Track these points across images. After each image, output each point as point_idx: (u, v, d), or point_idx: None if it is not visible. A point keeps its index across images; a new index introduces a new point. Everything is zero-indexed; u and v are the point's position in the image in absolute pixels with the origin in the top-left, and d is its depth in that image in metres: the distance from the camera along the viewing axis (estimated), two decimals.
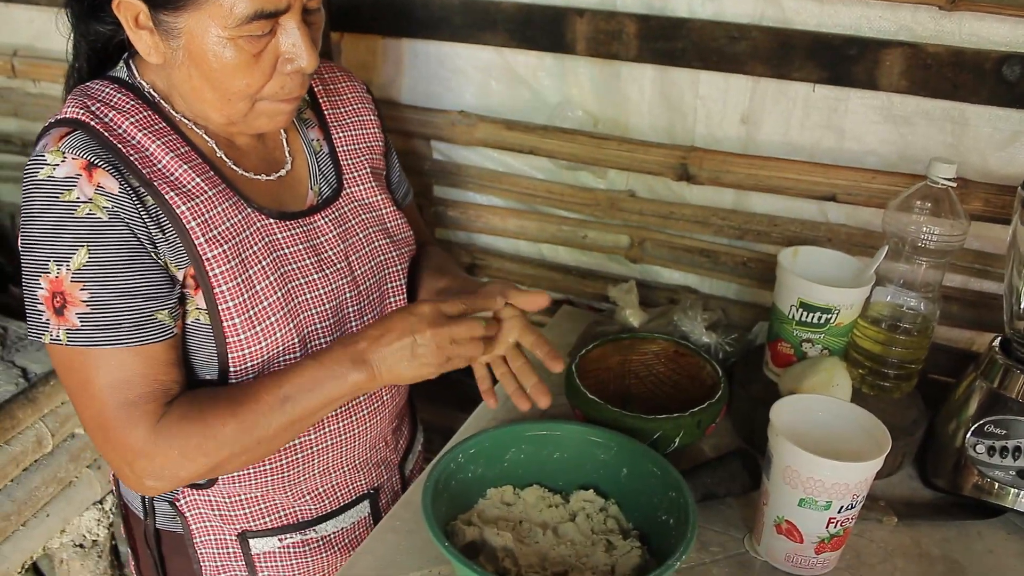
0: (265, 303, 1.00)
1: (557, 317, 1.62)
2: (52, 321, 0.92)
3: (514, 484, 1.09)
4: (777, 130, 1.37)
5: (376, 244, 1.14)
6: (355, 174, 1.15)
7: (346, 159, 1.15)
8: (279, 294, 1.01)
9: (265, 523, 1.13)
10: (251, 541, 1.13)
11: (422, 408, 1.40)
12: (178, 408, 0.96)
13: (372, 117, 1.21)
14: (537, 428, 1.09)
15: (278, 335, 1.00)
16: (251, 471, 1.08)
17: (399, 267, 1.17)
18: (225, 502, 1.10)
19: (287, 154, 1.11)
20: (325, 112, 1.17)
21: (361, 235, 1.13)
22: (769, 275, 1.42)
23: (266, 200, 1.05)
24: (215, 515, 1.11)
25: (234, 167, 1.03)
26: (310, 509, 1.15)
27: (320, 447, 1.11)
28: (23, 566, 1.45)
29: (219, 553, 1.13)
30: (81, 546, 1.54)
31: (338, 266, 1.08)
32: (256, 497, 1.11)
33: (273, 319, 1.00)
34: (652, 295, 1.58)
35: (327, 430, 1.10)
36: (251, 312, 0.98)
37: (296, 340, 1.02)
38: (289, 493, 1.12)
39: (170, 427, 0.94)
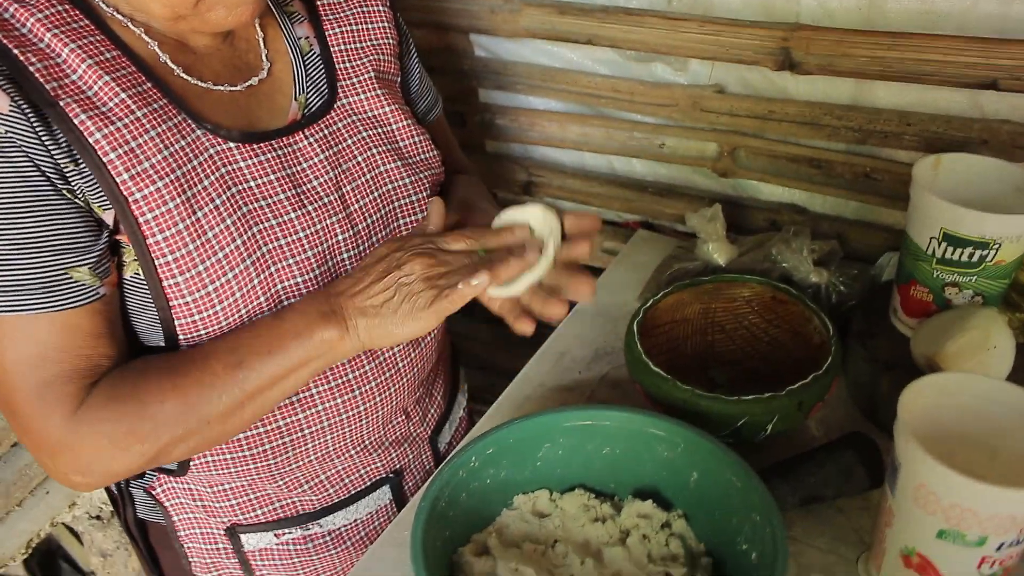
0: (220, 254, 0.76)
1: (631, 244, 1.34)
2: None
3: (551, 487, 0.85)
4: None
5: (381, 169, 0.89)
6: (354, 80, 0.90)
7: (343, 61, 0.90)
8: (239, 241, 0.77)
9: (256, 516, 0.93)
10: (242, 536, 0.94)
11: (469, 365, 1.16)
12: (105, 386, 0.75)
13: (381, 7, 0.94)
14: (579, 417, 0.83)
15: (238, 295, 0.78)
16: (227, 457, 0.87)
17: (416, 197, 0.91)
18: (207, 491, 0.91)
19: (263, 58, 0.86)
20: (317, 1, 0.91)
21: (360, 158, 0.88)
22: (901, 189, 1.10)
23: (228, 117, 0.81)
24: (197, 506, 0.93)
25: (183, 75, 0.79)
26: (311, 500, 0.95)
27: (314, 428, 0.89)
28: (28, 545, 1.32)
29: (207, 549, 0.95)
30: (99, 518, 1.41)
31: (326, 200, 0.84)
32: (243, 487, 0.91)
33: (232, 275, 0.77)
34: (747, 216, 1.27)
35: (320, 408, 0.88)
36: (201, 267, 0.76)
37: (263, 300, 0.79)
38: (282, 483, 0.92)
39: (95, 411, 0.74)
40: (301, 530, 0.95)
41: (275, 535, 0.95)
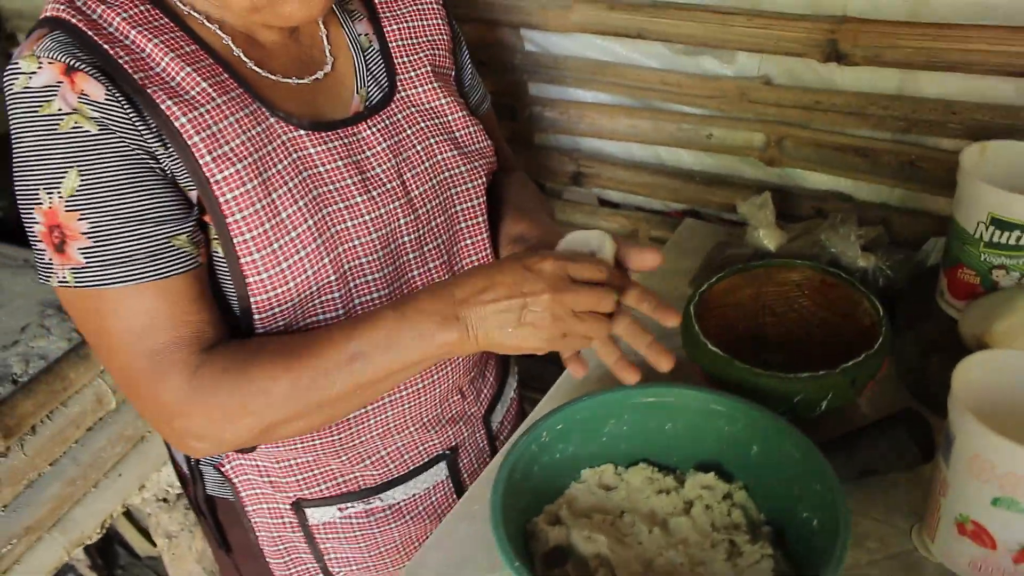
0: (293, 234, 0.81)
1: (679, 233, 1.38)
2: (55, 260, 0.77)
3: (615, 462, 0.89)
4: None
5: (439, 158, 0.93)
6: (412, 74, 0.94)
7: (400, 56, 0.95)
8: (311, 222, 0.82)
9: (320, 491, 0.98)
10: (307, 511, 0.99)
11: None
12: (219, 358, 0.80)
13: (435, 5, 0.99)
14: (643, 394, 0.87)
15: (310, 273, 0.82)
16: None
17: (471, 184, 0.96)
18: (274, 467, 0.96)
19: (327, 53, 0.91)
20: (375, 0, 0.95)
21: (419, 147, 0.92)
22: (945, 177, 1.13)
23: (297, 107, 0.86)
24: (264, 481, 0.98)
25: (255, 68, 0.84)
26: (372, 475, 0.99)
27: (375, 406, 0.94)
28: (102, 526, 1.38)
29: (274, 523, 1.00)
30: (165, 500, 1.47)
31: (388, 186, 0.89)
32: (308, 462, 0.96)
33: (303, 253, 0.82)
34: (794, 204, 1.31)
35: None
36: (275, 245, 0.81)
37: (334, 278, 0.84)
38: (345, 458, 0.97)
39: (209, 380, 0.79)
40: (363, 504, 1.00)
41: (338, 509, 0.99)
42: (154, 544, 1.81)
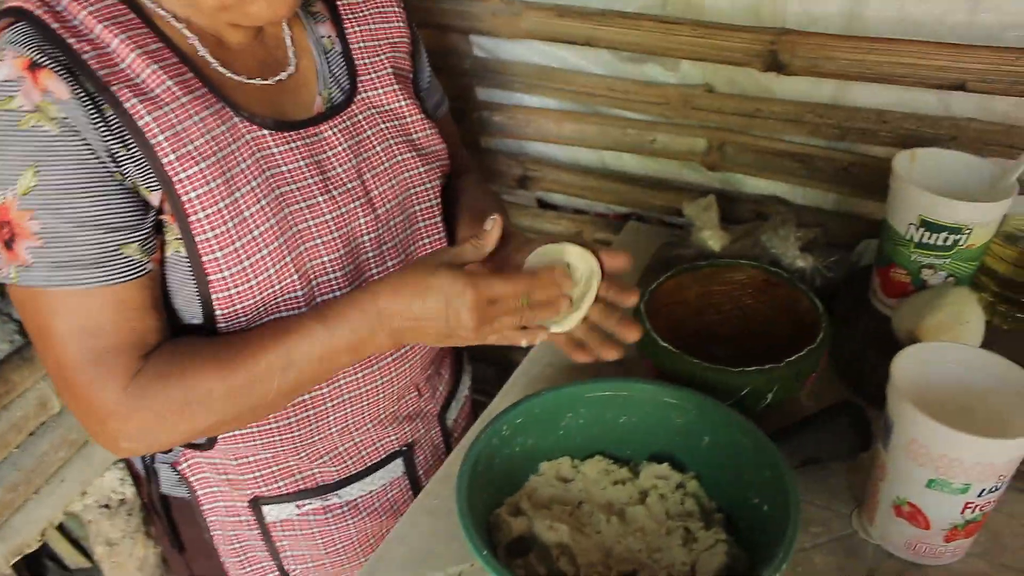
0: (255, 232, 0.82)
1: (623, 235, 1.42)
2: (2, 256, 0.76)
3: (572, 455, 0.92)
4: (891, 3, 1.11)
5: (398, 159, 0.95)
6: (373, 75, 0.96)
7: (362, 58, 0.96)
8: (273, 221, 0.83)
9: (278, 488, 0.99)
10: (264, 508, 0.99)
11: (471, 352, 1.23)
12: (156, 363, 0.81)
13: (396, 8, 1.01)
14: (599, 388, 0.90)
15: (272, 271, 0.84)
16: (256, 431, 0.94)
17: (428, 185, 0.98)
18: (232, 464, 0.97)
19: (291, 54, 0.92)
20: (338, 2, 0.97)
21: (379, 148, 0.94)
22: (876, 182, 1.19)
23: (260, 107, 0.87)
24: (222, 479, 0.98)
25: (220, 68, 0.85)
26: (330, 472, 1.01)
27: (335, 402, 0.95)
28: (41, 534, 1.35)
29: (230, 521, 1.01)
30: (107, 506, 1.44)
31: (349, 186, 0.90)
32: (266, 459, 0.97)
33: (266, 251, 0.83)
34: (735, 208, 1.36)
35: (341, 383, 0.95)
36: (237, 244, 0.81)
37: (296, 277, 0.86)
38: (304, 455, 0.98)
39: (146, 385, 0.80)
40: (320, 501, 1.01)
41: (296, 506, 1.00)
42: (87, 555, 1.77)
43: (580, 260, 0.86)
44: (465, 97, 1.48)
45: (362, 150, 0.92)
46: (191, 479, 0.98)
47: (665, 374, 0.97)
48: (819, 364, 0.97)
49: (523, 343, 0.85)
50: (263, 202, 0.83)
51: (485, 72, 1.44)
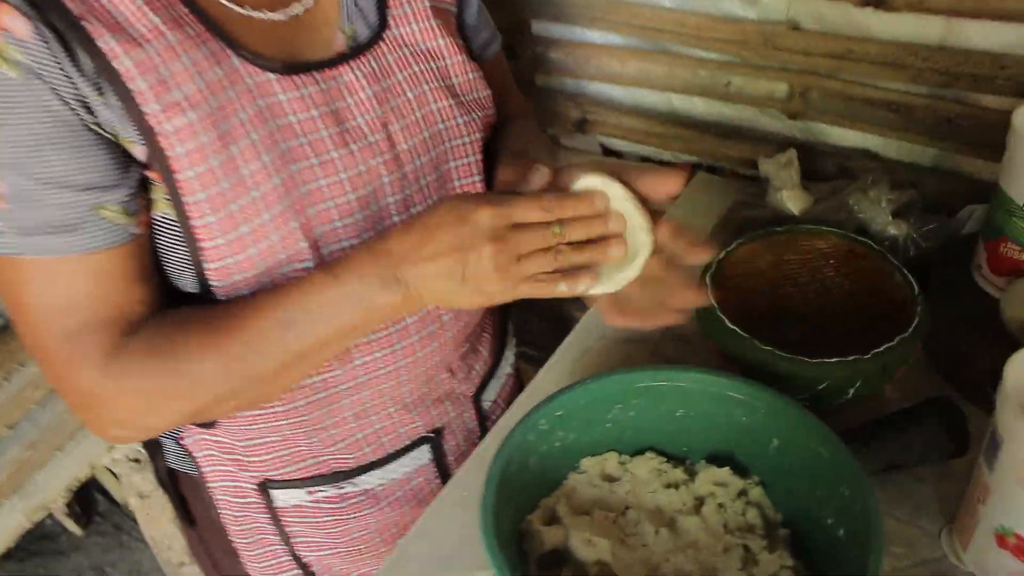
0: (255, 193, 0.71)
1: (690, 188, 1.28)
2: None
3: (620, 450, 0.81)
4: None
5: (433, 107, 0.82)
6: (406, 9, 0.82)
7: None
8: (276, 180, 0.72)
9: (289, 472, 0.90)
10: (272, 492, 0.90)
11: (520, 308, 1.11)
12: (142, 338, 0.71)
13: None
14: (652, 377, 0.79)
15: (275, 238, 0.72)
16: (262, 412, 0.84)
17: (468, 139, 0.85)
18: (238, 445, 0.88)
19: None
20: None
21: (411, 94, 0.81)
22: (987, 137, 1.04)
23: (268, 46, 0.74)
24: (228, 459, 0.90)
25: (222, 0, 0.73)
26: (346, 458, 0.91)
27: (350, 385, 0.85)
28: (68, 489, 1.31)
29: (237, 502, 0.92)
30: (136, 460, 1.39)
31: (371, 139, 0.78)
32: (274, 442, 0.88)
33: (267, 216, 0.72)
34: (817, 162, 1.21)
35: (358, 363, 0.83)
36: (233, 207, 0.70)
37: (306, 246, 0.74)
38: (316, 439, 0.88)
39: (130, 364, 0.70)
40: (335, 488, 0.91)
41: (307, 492, 0.91)
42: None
43: (623, 201, 0.71)
44: (518, 30, 1.34)
45: (390, 96, 0.80)
46: (196, 455, 0.90)
47: (730, 359, 0.85)
48: (911, 356, 0.84)
49: (564, 290, 0.69)
50: (265, 158, 0.72)
51: (541, 2, 1.29)
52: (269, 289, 0.72)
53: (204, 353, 0.70)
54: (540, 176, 0.71)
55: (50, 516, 2.11)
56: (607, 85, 1.35)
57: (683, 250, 0.73)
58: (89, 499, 2.19)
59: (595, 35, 1.31)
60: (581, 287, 0.69)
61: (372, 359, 0.83)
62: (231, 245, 0.71)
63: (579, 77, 1.36)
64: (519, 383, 1.11)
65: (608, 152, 1.44)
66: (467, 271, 0.66)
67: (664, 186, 0.71)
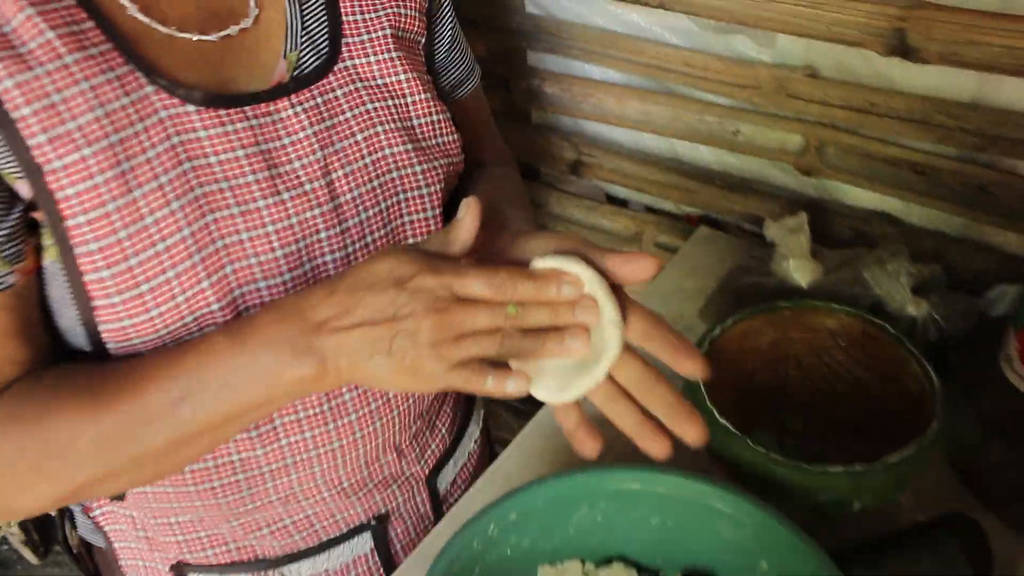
0: (160, 246, 0.61)
1: (692, 243, 1.18)
2: None
3: (584, 558, 0.70)
4: None
5: (386, 152, 0.71)
6: (364, 37, 0.72)
7: (353, 12, 0.72)
8: (187, 231, 0.62)
9: (206, 556, 0.78)
10: None
11: None
12: (8, 403, 0.61)
13: None
14: (625, 479, 0.68)
15: (181, 300, 0.62)
16: (169, 490, 0.72)
17: (426, 190, 0.73)
18: (150, 522, 0.77)
19: (252, 1, 0.69)
20: None
21: (360, 136, 0.70)
22: (1022, 208, 0.92)
23: (192, 72, 0.64)
24: (139, 536, 0.79)
25: (139, 15, 0.62)
26: (271, 546, 0.79)
27: (275, 467, 0.73)
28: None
29: None
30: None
31: (308, 187, 0.67)
32: (189, 522, 0.77)
33: (172, 273, 0.61)
34: (829, 224, 1.10)
35: (284, 443, 0.72)
36: (132, 261, 0.60)
37: (216, 309, 0.63)
38: (236, 523, 0.77)
39: None
40: None
41: None
42: None
43: (593, 283, 0.58)
44: (513, 62, 1.24)
45: (334, 138, 0.69)
46: (106, 529, 0.79)
47: (719, 456, 0.74)
48: (927, 464, 0.72)
49: (488, 386, 0.56)
50: (175, 205, 0.61)
51: (538, 33, 1.19)
52: (162, 352, 0.61)
53: (80, 428, 0.59)
54: (469, 210, 0.58)
55: (6, 543, 2.02)
56: (605, 126, 1.24)
57: (661, 354, 0.59)
58: (48, 528, 2.10)
59: (595, 70, 1.20)
60: (511, 386, 0.56)
61: (302, 439, 0.72)
62: (129, 305, 0.60)
63: (576, 115, 1.25)
64: (489, 455, 1.00)
65: (612, 200, 1.34)
66: (396, 345, 0.54)
67: (635, 272, 0.58)
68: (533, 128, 1.31)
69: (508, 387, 0.55)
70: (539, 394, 0.58)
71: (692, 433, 0.59)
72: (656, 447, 0.59)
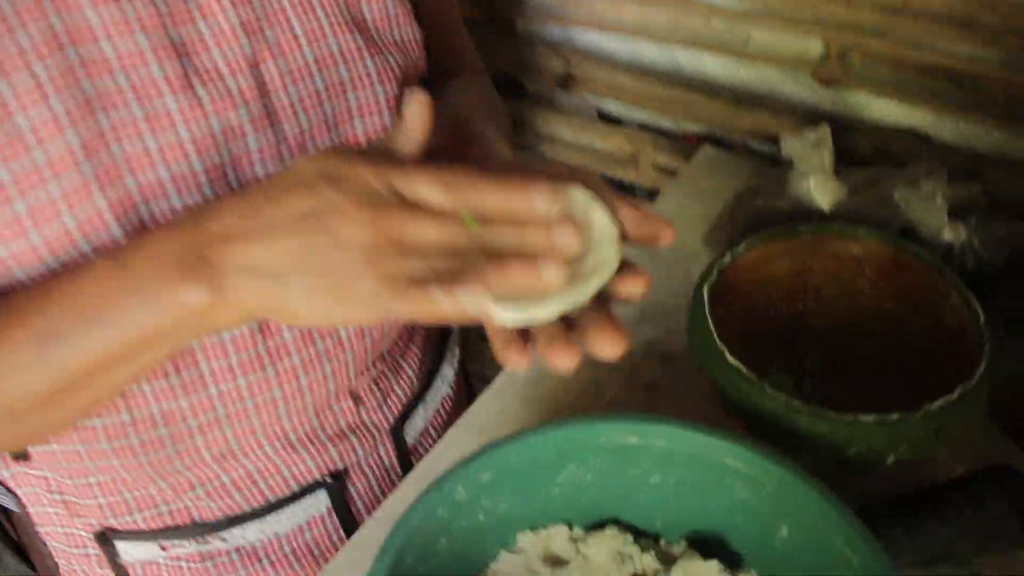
0: (38, 154, 0.50)
1: (695, 164, 1.07)
2: None
3: (572, 522, 0.60)
4: None
5: (331, 43, 0.60)
6: None
7: None
8: (72, 137, 0.50)
9: (134, 521, 0.68)
10: (117, 544, 0.69)
11: None
12: None
13: None
14: (620, 431, 0.57)
15: (69, 220, 0.51)
16: (80, 448, 0.62)
17: (380, 91, 0.62)
18: (66, 483, 0.67)
19: None
20: None
21: (298, 26, 0.58)
22: None
23: None
24: (56, 500, 0.69)
25: None
26: (208, 508, 0.69)
27: (205, 419, 0.62)
28: None
29: (75, 554, 0.71)
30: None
31: (230, 82, 0.55)
32: (111, 482, 0.66)
33: (55, 189, 0.50)
34: (850, 142, 0.98)
35: (215, 392, 0.61)
36: (2, 172, 0.49)
37: (116, 230, 0.52)
38: (164, 483, 0.66)
39: None
40: (196, 544, 0.70)
41: (160, 547, 0.69)
42: None
43: (596, 214, 0.47)
44: None
45: (264, 25, 0.56)
46: (18, 493, 0.68)
47: (730, 403, 0.64)
48: (975, 413, 0.62)
49: (445, 308, 0.41)
50: (56, 104, 0.49)
51: None
52: (36, 283, 0.50)
53: None
54: (414, 102, 0.46)
55: None
56: (598, 34, 1.12)
57: (641, 235, 0.48)
58: None
59: None
60: (465, 298, 0.41)
61: (235, 387, 0.60)
62: (2, 227, 0.49)
63: (565, 23, 1.12)
64: (468, 398, 0.90)
65: (604, 117, 1.22)
66: (319, 258, 0.42)
67: (652, 234, 0.48)
68: (518, 39, 1.18)
69: (461, 299, 0.41)
70: (506, 316, 0.43)
71: (612, 346, 0.45)
72: (516, 359, 0.45)
